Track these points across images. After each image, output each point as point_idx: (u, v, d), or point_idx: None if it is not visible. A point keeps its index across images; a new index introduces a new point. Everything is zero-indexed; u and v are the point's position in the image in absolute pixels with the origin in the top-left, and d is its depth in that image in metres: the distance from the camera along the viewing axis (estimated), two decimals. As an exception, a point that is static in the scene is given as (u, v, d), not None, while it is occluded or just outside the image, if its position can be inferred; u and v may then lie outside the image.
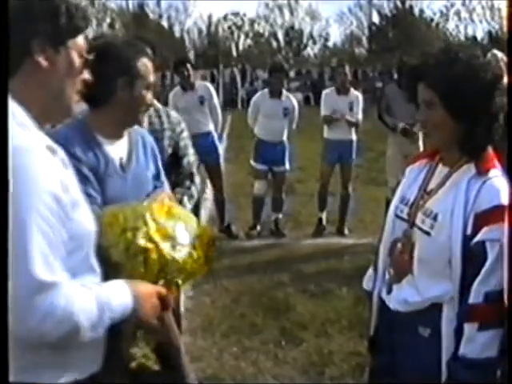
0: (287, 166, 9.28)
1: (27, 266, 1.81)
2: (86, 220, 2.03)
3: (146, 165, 3.22)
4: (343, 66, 9.73)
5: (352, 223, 9.43)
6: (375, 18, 58.42)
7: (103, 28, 53.56)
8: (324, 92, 9.74)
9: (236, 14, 59.45)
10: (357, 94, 9.55)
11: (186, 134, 4.30)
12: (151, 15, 58.10)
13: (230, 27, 59.49)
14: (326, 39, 62.43)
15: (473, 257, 2.52)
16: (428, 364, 2.65)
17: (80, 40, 2.08)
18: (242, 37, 60.49)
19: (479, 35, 59.60)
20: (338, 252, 8.34)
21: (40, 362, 1.96)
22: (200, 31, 60.04)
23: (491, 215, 2.52)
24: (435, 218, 2.63)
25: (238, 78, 36.48)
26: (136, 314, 2.13)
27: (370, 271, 3.07)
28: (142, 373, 2.55)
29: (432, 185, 2.76)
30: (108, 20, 55.17)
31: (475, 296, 2.51)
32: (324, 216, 9.41)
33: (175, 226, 2.48)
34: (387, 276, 2.86)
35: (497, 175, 2.61)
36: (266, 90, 9.35)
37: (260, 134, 9.20)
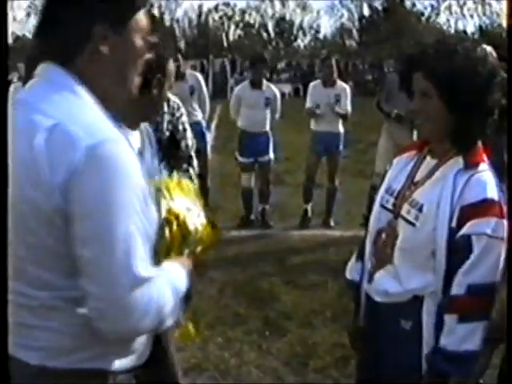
0: (271, 155, 9.27)
1: (128, 262, 1.80)
2: (153, 210, 1.99)
3: (152, 155, 3.23)
4: (329, 58, 9.76)
5: (338, 215, 9.44)
6: (366, 11, 58.46)
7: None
8: (311, 84, 9.75)
9: (227, 5, 59.48)
10: (344, 86, 9.55)
11: (184, 118, 4.39)
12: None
13: (220, 17, 59.38)
14: (317, 31, 62.51)
15: (458, 250, 2.52)
16: (410, 357, 2.66)
17: (141, 19, 2.01)
18: (233, 27, 60.42)
19: (470, 30, 59.73)
20: (324, 244, 8.34)
21: (108, 351, 1.98)
22: (190, 21, 59.90)
23: (478, 209, 2.52)
24: (421, 209, 2.63)
25: (228, 69, 36.41)
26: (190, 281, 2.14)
27: (353, 260, 3.06)
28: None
29: (419, 176, 2.76)
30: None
31: (457, 288, 2.52)
32: (309, 208, 9.41)
33: (188, 198, 2.48)
34: (369, 266, 2.86)
35: (485, 169, 2.61)
36: (247, 82, 9.38)
37: (243, 126, 9.21)
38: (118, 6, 1.95)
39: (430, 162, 2.75)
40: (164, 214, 2.31)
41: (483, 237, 2.49)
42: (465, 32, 57.07)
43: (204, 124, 9.27)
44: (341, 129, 9.37)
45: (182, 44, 45.21)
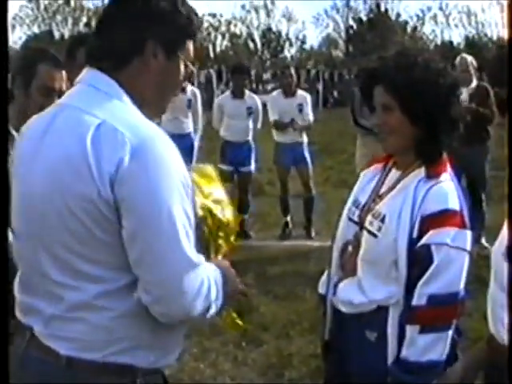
0: (253, 166, 9.27)
1: (181, 248, 1.91)
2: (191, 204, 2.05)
3: None
4: (288, 68, 9.77)
5: (320, 225, 9.41)
6: (352, 21, 58.59)
7: (79, 27, 53.23)
8: (271, 95, 9.76)
9: (213, 15, 59.40)
10: (305, 95, 9.55)
11: None
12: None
13: (206, 28, 59.33)
14: (303, 42, 62.53)
15: (418, 260, 2.52)
16: (375, 369, 2.64)
17: (190, 48, 2.13)
18: (219, 38, 60.44)
19: (455, 40, 60.04)
20: (305, 254, 8.30)
21: (138, 345, 2.01)
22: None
23: (438, 219, 2.52)
24: (383, 220, 2.62)
25: (214, 79, 36.41)
26: (227, 288, 2.15)
27: (325, 276, 3.04)
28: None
29: (384, 188, 2.76)
30: (84, 19, 54.82)
31: (418, 299, 2.51)
32: (289, 219, 9.39)
33: (215, 188, 2.48)
34: (335, 278, 2.85)
35: (446, 179, 2.61)
36: (229, 91, 9.38)
37: (225, 136, 9.22)
38: (172, 29, 2.05)
39: (394, 174, 2.76)
40: (198, 209, 2.33)
41: (443, 247, 2.48)
42: (450, 42, 57.41)
43: (194, 137, 9.36)
44: (305, 138, 9.33)
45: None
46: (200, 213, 2.32)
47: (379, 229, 2.62)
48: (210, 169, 2.54)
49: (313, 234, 9.18)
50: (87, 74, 2.08)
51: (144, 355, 2.02)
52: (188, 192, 1.97)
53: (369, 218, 2.70)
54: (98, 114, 1.92)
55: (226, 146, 9.22)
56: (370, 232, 2.66)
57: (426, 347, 2.50)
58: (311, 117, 9.34)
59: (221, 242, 2.38)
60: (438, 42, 57.76)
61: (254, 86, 39.48)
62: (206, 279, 1.99)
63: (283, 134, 9.24)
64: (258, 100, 9.42)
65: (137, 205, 1.87)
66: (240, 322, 2.53)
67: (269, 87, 40.83)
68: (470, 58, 8.54)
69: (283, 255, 8.35)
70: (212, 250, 2.32)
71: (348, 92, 38.24)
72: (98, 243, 1.92)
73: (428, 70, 2.59)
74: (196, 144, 9.46)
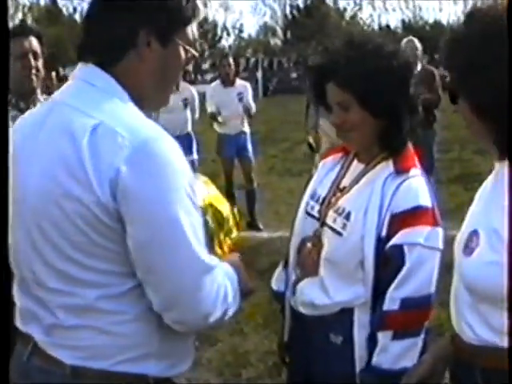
0: (195, 156, 9.09)
1: (193, 252, 1.81)
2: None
3: None
4: (227, 57, 9.60)
5: (267, 216, 9.30)
6: (289, 8, 58.60)
7: (15, 23, 52.23)
8: (210, 86, 9.62)
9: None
10: (244, 84, 9.45)
11: None
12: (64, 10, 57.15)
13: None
14: (241, 30, 62.51)
15: (389, 260, 2.37)
16: (342, 374, 2.49)
17: (188, 32, 2.01)
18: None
19: (393, 24, 60.56)
20: (254, 247, 8.15)
21: (149, 353, 1.92)
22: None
23: (409, 217, 2.37)
24: (348, 217, 2.46)
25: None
26: (240, 286, 2.07)
27: (279, 269, 2.89)
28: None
29: (346, 181, 2.59)
30: (20, 15, 53.77)
31: (390, 303, 2.36)
32: (236, 211, 9.23)
33: (211, 188, 2.41)
34: (293, 277, 2.70)
35: (417, 174, 2.46)
36: None
37: (165, 130, 9.02)
38: (164, 16, 1.93)
39: (357, 166, 2.59)
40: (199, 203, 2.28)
41: (416, 247, 2.34)
42: (388, 26, 57.91)
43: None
44: (247, 128, 9.22)
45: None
46: (201, 206, 2.25)
47: (344, 226, 2.47)
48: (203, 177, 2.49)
49: (260, 225, 9.05)
50: (82, 69, 1.97)
51: (155, 364, 1.92)
52: (194, 192, 1.87)
53: (331, 213, 2.54)
54: (94, 113, 1.81)
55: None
56: (333, 230, 2.50)
57: (400, 354, 2.36)
58: (253, 105, 9.21)
59: (223, 236, 2.31)
60: (376, 27, 58.17)
61: (192, 76, 39.25)
62: (222, 282, 1.91)
63: (225, 125, 9.11)
64: (193, 90, 9.29)
65: (142, 213, 1.77)
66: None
67: (208, 77, 40.69)
68: (416, 41, 8.50)
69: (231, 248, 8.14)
70: (216, 244, 2.24)
71: (287, 79, 38.32)
72: (99, 250, 1.81)
73: (380, 56, 2.42)
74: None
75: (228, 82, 9.18)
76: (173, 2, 1.95)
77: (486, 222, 1.89)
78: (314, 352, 2.61)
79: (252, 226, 9.06)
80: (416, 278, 2.35)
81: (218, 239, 2.29)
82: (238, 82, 9.38)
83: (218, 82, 9.47)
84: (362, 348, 2.45)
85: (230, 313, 1.97)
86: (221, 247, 2.29)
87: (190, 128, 9.10)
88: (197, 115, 9.24)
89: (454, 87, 1.93)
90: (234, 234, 2.38)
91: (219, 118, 9.02)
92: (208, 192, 2.34)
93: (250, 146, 9.23)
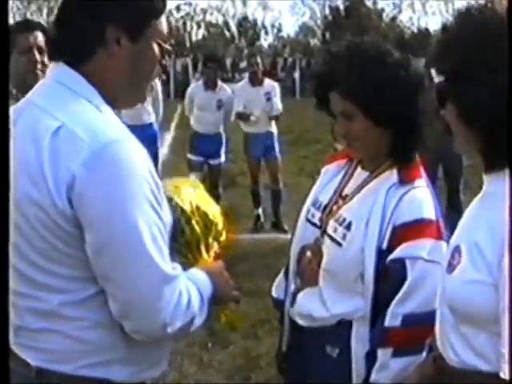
0: (223, 158, 9.05)
1: (152, 261, 1.78)
2: (166, 209, 1.93)
3: None
4: (255, 56, 9.51)
5: (293, 217, 9.15)
6: (328, 9, 58.31)
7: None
8: (238, 85, 9.54)
9: (189, 4, 58.98)
10: (272, 84, 9.35)
11: None
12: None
13: (182, 17, 58.93)
14: (279, 30, 62.33)
15: (389, 274, 2.28)
16: None
17: (159, 27, 1.96)
18: (195, 27, 60.07)
19: (432, 28, 59.98)
20: (277, 248, 8.05)
21: (114, 358, 1.90)
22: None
23: (412, 229, 2.28)
24: (348, 227, 2.38)
25: (190, 69, 36.19)
26: (217, 294, 2.06)
27: (280, 277, 2.81)
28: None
29: (348, 189, 2.50)
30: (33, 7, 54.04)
31: (391, 319, 2.27)
32: (261, 212, 9.17)
33: (198, 190, 2.43)
34: (293, 286, 2.61)
35: (421, 185, 2.36)
36: (200, 82, 9.13)
37: (195, 127, 9.00)
38: (132, 10, 1.89)
39: (360, 173, 2.51)
40: (186, 206, 2.29)
41: (418, 261, 2.25)
42: (427, 30, 57.36)
43: (156, 127, 9.04)
44: (274, 128, 9.13)
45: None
46: (188, 209, 2.27)
47: (344, 237, 2.38)
48: (192, 180, 2.51)
49: (286, 227, 8.94)
50: (54, 69, 1.97)
51: (121, 369, 1.91)
52: (158, 197, 1.82)
53: (332, 223, 2.45)
54: (58, 115, 1.79)
55: (195, 137, 9.03)
56: (333, 240, 2.42)
57: (400, 372, 2.26)
58: (280, 105, 9.12)
59: (211, 240, 2.29)
60: (415, 30, 57.68)
61: (230, 75, 39.27)
62: (184, 291, 1.88)
63: (251, 124, 9.02)
64: (229, 91, 9.19)
65: (98, 220, 1.74)
66: (236, 322, 2.43)
67: (245, 76, 40.68)
68: None
69: (254, 249, 8.12)
70: (203, 248, 2.24)
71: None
72: (59, 255, 1.80)
73: (384, 65, 2.33)
74: (160, 135, 9.27)
75: (256, 81, 9.08)
76: None
77: (468, 237, 1.79)
78: (311, 363, 2.54)
79: (277, 226, 8.99)
80: (419, 294, 2.25)
81: (205, 243, 2.25)
82: (267, 81, 9.29)
83: (246, 80, 9.41)
84: (358, 361, 2.37)
85: (198, 322, 1.93)
86: (207, 251, 2.25)
87: (221, 129, 9.04)
88: (232, 117, 9.11)
89: (443, 90, 1.83)
90: (223, 237, 2.33)
91: (252, 118, 8.94)
92: (194, 193, 2.32)
93: (277, 146, 9.14)
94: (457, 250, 1.81)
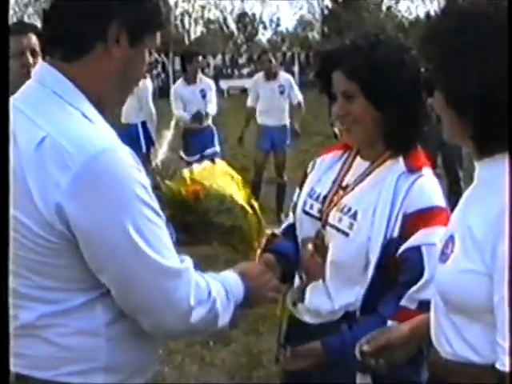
0: (217, 148, 9.09)
1: (155, 264, 1.78)
2: (159, 213, 1.88)
3: None
4: (266, 54, 9.63)
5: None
6: (327, 1, 58.30)
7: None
8: (253, 79, 9.60)
9: (187, 1, 58.95)
10: (287, 77, 9.52)
11: None
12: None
13: (180, 14, 58.92)
14: (278, 24, 62.38)
15: (405, 262, 2.24)
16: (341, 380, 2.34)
17: (156, 37, 1.98)
18: (193, 24, 60.06)
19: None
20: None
21: (99, 366, 1.87)
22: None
23: (425, 217, 2.25)
24: (355, 217, 2.33)
25: (188, 66, 36.24)
26: (250, 295, 2.08)
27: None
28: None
29: (348, 179, 2.45)
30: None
31: (408, 301, 2.24)
32: (256, 205, 9.13)
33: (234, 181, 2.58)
34: (297, 282, 2.55)
35: (429, 173, 2.34)
36: (181, 78, 9.33)
37: (185, 123, 8.98)
38: (139, 13, 1.88)
39: (360, 163, 2.46)
40: (241, 202, 2.39)
41: (434, 247, 2.15)
42: (428, 16, 57.29)
43: (150, 127, 9.09)
44: (287, 121, 9.22)
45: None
46: (247, 207, 2.38)
47: (351, 226, 2.33)
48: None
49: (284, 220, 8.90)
50: (38, 69, 1.94)
51: (103, 377, 1.88)
52: (149, 203, 1.79)
53: (335, 213, 2.40)
54: (42, 124, 1.75)
55: (187, 134, 9.08)
56: (339, 230, 2.37)
57: None
58: (299, 96, 9.30)
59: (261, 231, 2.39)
60: (413, 20, 57.61)
61: (229, 70, 39.28)
62: (203, 283, 1.90)
63: (267, 116, 9.17)
64: (210, 82, 9.38)
65: (96, 232, 1.73)
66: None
67: (244, 71, 40.66)
68: None
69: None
70: (258, 240, 2.34)
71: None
72: (43, 267, 1.78)
73: (391, 48, 2.32)
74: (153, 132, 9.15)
75: (270, 76, 9.24)
76: (150, 2, 1.91)
77: (461, 225, 1.76)
78: None
79: (279, 220, 8.94)
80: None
81: (259, 240, 2.37)
82: (281, 74, 9.49)
83: (260, 74, 9.56)
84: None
85: (224, 318, 1.97)
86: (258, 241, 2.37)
87: (210, 120, 9.11)
88: (215, 108, 9.18)
89: (431, 78, 1.80)
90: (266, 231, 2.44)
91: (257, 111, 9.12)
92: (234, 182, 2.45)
93: (287, 141, 9.28)
94: (451, 239, 1.78)
